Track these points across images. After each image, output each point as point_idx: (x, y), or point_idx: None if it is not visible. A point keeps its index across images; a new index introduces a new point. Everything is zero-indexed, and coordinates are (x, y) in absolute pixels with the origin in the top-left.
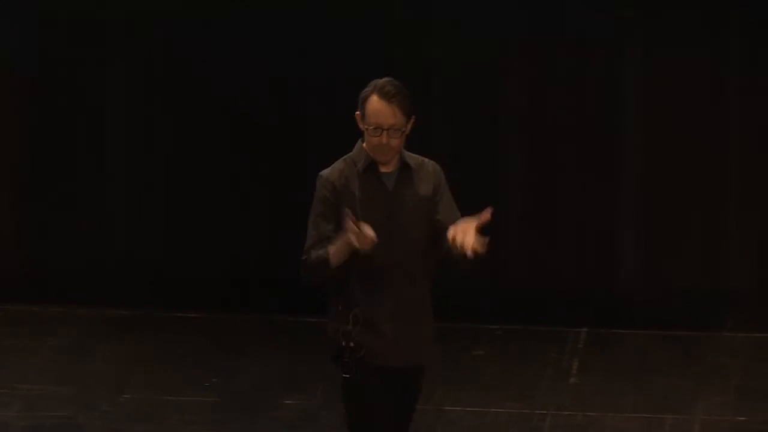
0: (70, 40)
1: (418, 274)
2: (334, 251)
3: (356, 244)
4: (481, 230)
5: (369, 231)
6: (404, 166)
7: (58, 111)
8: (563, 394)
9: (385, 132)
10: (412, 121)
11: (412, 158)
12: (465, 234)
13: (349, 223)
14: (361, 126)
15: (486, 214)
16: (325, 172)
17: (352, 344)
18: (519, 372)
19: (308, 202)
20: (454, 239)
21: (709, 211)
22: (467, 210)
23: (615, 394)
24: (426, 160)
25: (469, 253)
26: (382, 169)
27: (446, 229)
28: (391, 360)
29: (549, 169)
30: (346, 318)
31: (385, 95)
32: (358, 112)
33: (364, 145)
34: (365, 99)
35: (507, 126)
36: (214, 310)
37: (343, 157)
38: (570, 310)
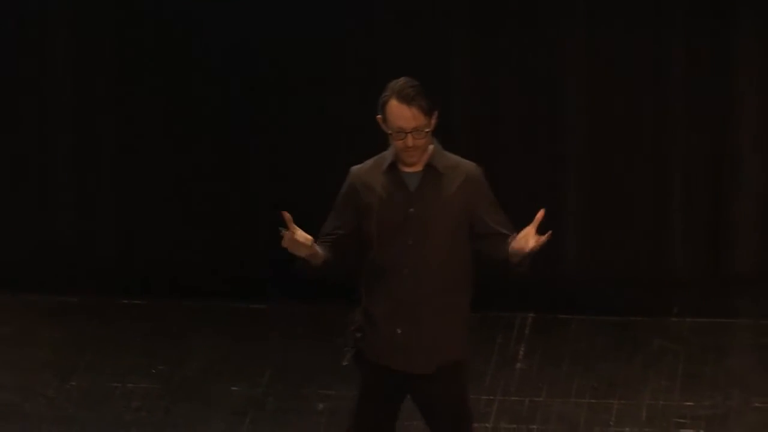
0: (14, 27)
1: (439, 279)
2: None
3: (285, 244)
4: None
5: (297, 235)
6: (429, 168)
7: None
8: (510, 380)
9: (408, 135)
10: (435, 116)
11: (448, 159)
12: (527, 241)
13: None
14: (384, 129)
15: (540, 215)
16: (355, 167)
17: (358, 335)
18: None
19: (254, 189)
20: (518, 249)
21: (654, 196)
22: None
23: (562, 379)
24: (464, 162)
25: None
26: (406, 169)
27: (496, 233)
28: (389, 361)
29: (492, 153)
30: (360, 309)
31: (404, 98)
32: (379, 116)
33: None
34: (384, 103)
35: (452, 108)
36: (161, 297)
37: (379, 154)
38: (516, 296)
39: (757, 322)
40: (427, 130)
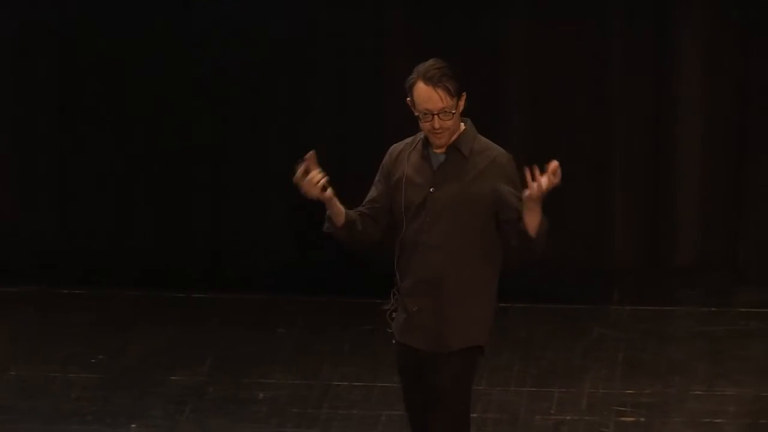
0: None
1: (456, 260)
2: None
3: (296, 178)
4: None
5: (315, 176)
6: (453, 150)
7: None
8: None
9: (435, 116)
10: (463, 98)
11: (476, 143)
12: (540, 185)
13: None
14: (413, 112)
15: (554, 165)
16: (394, 144)
17: (393, 316)
18: None
19: (191, 180)
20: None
21: (596, 185)
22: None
23: (502, 367)
24: (493, 147)
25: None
26: (435, 150)
27: (516, 219)
28: (410, 339)
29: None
30: (394, 288)
31: (429, 80)
32: (408, 99)
33: None
34: (412, 86)
35: (390, 99)
36: (100, 287)
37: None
38: None
39: (697, 310)
40: (453, 111)
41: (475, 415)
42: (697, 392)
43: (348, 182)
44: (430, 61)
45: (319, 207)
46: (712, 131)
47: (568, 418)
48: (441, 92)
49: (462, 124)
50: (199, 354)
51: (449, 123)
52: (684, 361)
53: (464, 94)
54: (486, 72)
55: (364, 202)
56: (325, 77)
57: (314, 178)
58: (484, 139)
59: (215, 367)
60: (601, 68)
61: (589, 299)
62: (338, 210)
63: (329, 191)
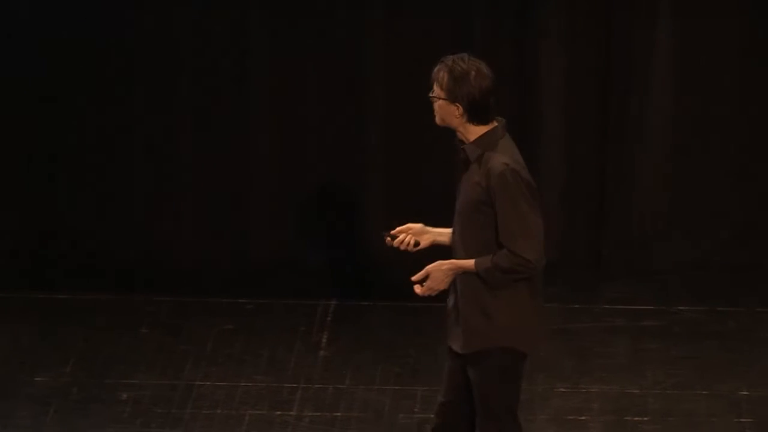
0: None
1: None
2: None
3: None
4: None
5: (403, 242)
6: (464, 152)
7: None
8: (313, 368)
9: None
10: (455, 104)
11: (485, 148)
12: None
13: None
14: None
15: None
16: None
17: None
18: (269, 346)
19: (55, 180)
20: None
21: (444, 186)
22: None
23: (365, 366)
24: (495, 157)
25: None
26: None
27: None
28: (449, 339)
29: (298, 133)
30: None
31: (440, 62)
32: None
33: None
34: None
35: (252, 95)
36: None
37: None
38: (318, 283)
39: (564, 307)
40: (438, 103)
41: (338, 414)
42: (562, 389)
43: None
44: (463, 54)
45: (168, 208)
46: (573, 127)
47: (432, 416)
48: (435, 77)
49: (484, 128)
50: (62, 355)
51: (437, 110)
52: (548, 358)
53: (458, 104)
54: (343, 72)
55: None
56: (186, 77)
57: (403, 245)
58: (503, 146)
59: (78, 368)
60: None
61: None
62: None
63: (423, 243)
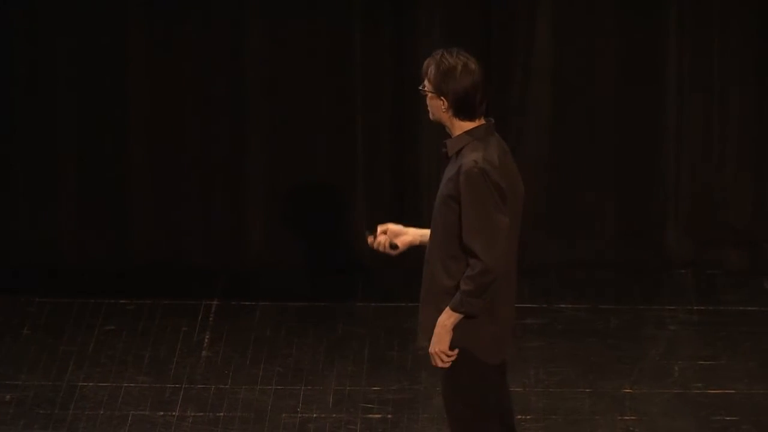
0: None
1: (432, 260)
2: None
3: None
4: None
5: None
6: (444, 147)
7: None
8: (195, 368)
9: None
10: (441, 99)
11: (470, 147)
12: None
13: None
14: None
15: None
16: None
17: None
18: (150, 346)
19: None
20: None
21: (337, 184)
22: None
23: (248, 366)
24: (468, 156)
25: None
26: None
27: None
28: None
29: (172, 139)
30: None
31: (431, 56)
32: None
33: None
34: None
35: (135, 90)
36: None
37: None
38: (200, 283)
39: None
40: (427, 96)
41: (221, 414)
42: None
43: None
44: (455, 48)
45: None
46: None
47: (315, 416)
48: (425, 70)
49: (470, 125)
50: None
51: (428, 102)
52: (430, 357)
53: (443, 98)
54: (226, 73)
55: None
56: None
57: (380, 247)
58: (484, 145)
59: None
60: (343, 67)
61: (332, 296)
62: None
63: (401, 245)
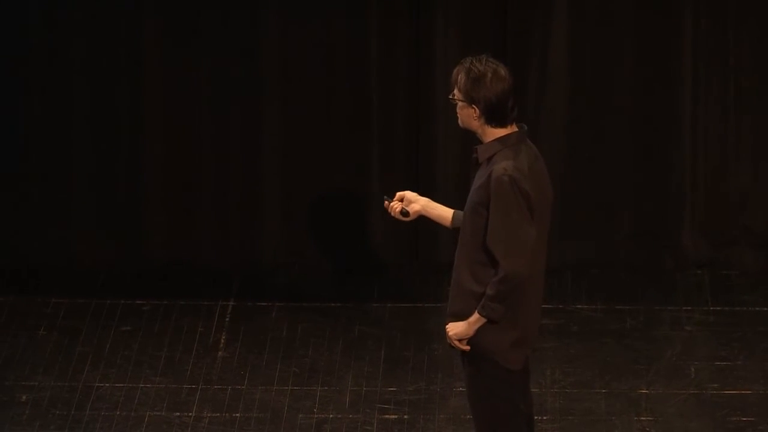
0: None
1: (460, 266)
2: None
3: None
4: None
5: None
6: (475, 153)
7: None
8: (211, 368)
9: None
10: (472, 107)
11: (495, 153)
12: None
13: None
14: None
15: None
16: None
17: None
18: (166, 347)
19: None
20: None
21: (355, 184)
22: None
23: (264, 366)
24: (498, 163)
25: None
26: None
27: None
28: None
29: (188, 139)
30: None
31: (459, 63)
32: None
33: None
34: None
35: (150, 90)
36: None
37: None
38: (216, 283)
39: None
40: (451, 98)
41: (237, 414)
42: (460, 389)
43: None
44: (483, 56)
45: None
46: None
47: (331, 416)
48: (455, 77)
49: (501, 132)
50: None
51: (458, 111)
52: (446, 358)
53: (475, 107)
54: (242, 73)
55: None
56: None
57: (392, 211)
58: (515, 152)
59: None
60: (360, 68)
61: (348, 297)
62: (438, 217)
63: (412, 213)
